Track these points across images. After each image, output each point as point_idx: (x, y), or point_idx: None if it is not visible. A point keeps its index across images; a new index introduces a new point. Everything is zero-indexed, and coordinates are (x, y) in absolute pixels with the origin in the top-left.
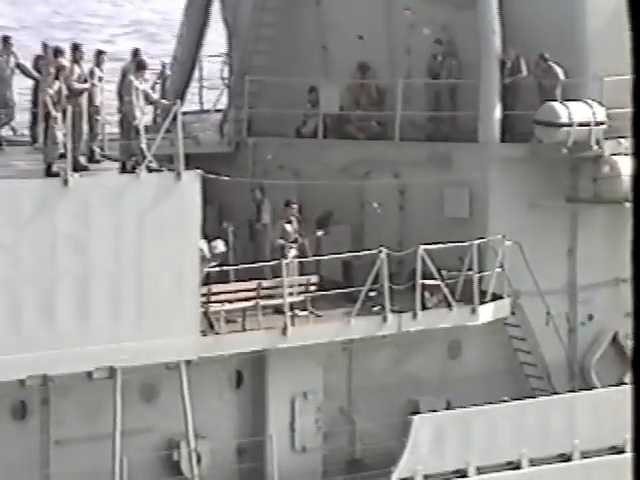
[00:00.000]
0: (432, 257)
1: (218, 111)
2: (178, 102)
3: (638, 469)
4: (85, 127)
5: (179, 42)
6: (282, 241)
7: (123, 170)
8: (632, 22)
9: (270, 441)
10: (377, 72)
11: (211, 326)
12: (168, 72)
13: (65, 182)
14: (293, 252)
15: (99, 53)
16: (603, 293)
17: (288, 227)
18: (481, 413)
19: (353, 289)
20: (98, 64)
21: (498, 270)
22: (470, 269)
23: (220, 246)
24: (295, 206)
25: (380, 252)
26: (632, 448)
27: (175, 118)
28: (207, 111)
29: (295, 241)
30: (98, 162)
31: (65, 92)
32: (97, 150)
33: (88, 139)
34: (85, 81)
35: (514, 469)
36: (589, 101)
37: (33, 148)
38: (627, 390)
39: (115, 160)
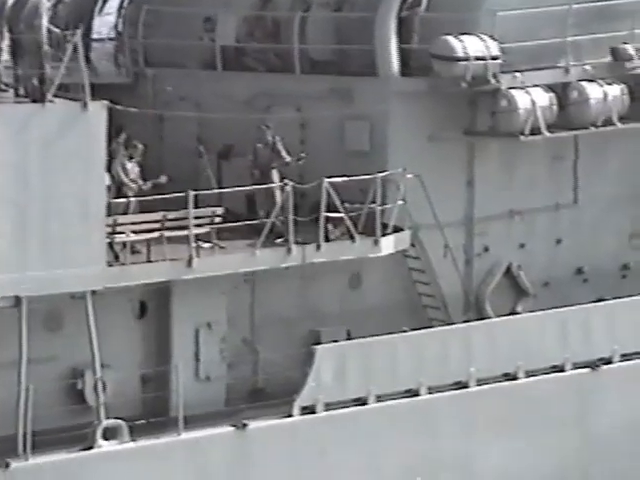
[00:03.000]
0: (336, 190)
1: (111, 39)
2: (77, 32)
3: None
4: None
5: None
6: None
7: (17, 96)
8: None
9: (175, 371)
10: (278, 3)
11: (116, 257)
12: None
13: None
14: None
15: None
16: (498, 225)
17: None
18: (382, 343)
19: (257, 221)
20: None
21: (400, 203)
22: (373, 202)
23: None
24: (140, 146)
25: (285, 185)
26: None
27: (76, 49)
28: (100, 40)
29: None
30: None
31: None
32: None
33: None
34: None
35: (412, 397)
36: (482, 35)
37: None
38: (520, 319)
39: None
